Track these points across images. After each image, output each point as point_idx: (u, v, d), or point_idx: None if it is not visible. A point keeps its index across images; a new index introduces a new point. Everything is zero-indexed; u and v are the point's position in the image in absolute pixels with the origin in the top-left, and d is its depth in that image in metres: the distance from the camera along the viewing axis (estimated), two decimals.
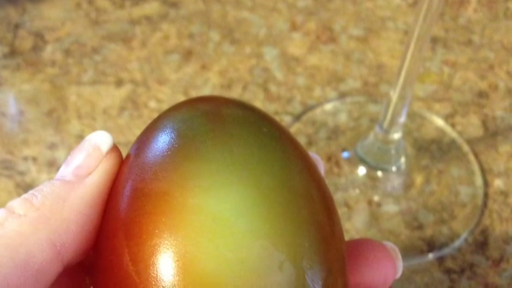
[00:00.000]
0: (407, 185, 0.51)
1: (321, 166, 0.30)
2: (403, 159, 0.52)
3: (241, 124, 0.24)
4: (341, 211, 0.49)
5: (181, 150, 0.23)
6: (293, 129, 0.55)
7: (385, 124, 0.48)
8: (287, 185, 0.23)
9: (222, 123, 0.24)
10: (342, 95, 0.58)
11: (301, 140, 0.53)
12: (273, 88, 0.58)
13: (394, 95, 0.45)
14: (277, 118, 0.54)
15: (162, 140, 0.23)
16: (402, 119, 0.47)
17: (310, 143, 0.54)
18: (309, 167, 0.25)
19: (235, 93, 0.58)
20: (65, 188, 0.24)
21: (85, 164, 0.25)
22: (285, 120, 0.55)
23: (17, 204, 0.24)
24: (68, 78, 0.59)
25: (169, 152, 0.23)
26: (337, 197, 0.50)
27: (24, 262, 0.23)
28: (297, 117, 0.56)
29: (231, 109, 0.25)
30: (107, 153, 0.25)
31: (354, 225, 0.48)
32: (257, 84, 0.59)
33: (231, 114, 0.25)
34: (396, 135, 0.49)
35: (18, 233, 0.23)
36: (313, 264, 0.22)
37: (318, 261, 0.23)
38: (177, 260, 0.21)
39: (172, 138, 0.23)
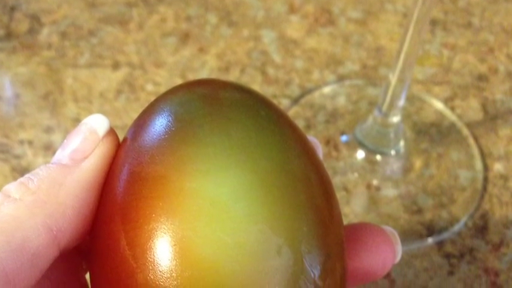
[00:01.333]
0: (407, 169, 0.51)
1: (319, 150, 0.30)
2: (402, 143, 0.52)
3: (239, 107, 0.24)
4: (339, 195, 0.48)
5: (178, 133, 0.23)
6: (291, 113, 0.55)
7: (384, 107, 0.47)
8: (285, 169, 0.23)
9: (220, 106, 0.24)
10: (341, 78, 0.58)
11: (300, 124, 0.53)
12: (271, 71, 0.58)
13: (393, 78, 0.45)
14: (275, 101, 0.54)
15: (159, 124, 0.23)
16: (401, 102, 0.47)
17: (308, 127, 0.53)
18: (307, 151, 0.25)
19: (232, 76, 0.57)
20: (61, 172, 0.24)
21: (81, 147, 0.25)
22: (283, 103, 0.55)
23: (12, 188, 0.24)
24: (64, 61, 0.58)
25: (166, 136, 0.23)
26: (336, 181, 0.50)
27: (20, 247, 0.23)
28: (295, 101, 0.56)
29: (229, 92, 0.25)
30: (104, 136, 0.25)
31: (352, 209, 0.48)
32: (255, 67, 0.58)
33: (228, 97, 0.25)
34: (395, 119, 0.48)
35: (14, 217, 0.23)
36: (311, 248, 0.22)
37: (316, 245, 0.23)
38: (174, 245, 0.21)
39: (169, 121, 0.23)
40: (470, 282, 0.44)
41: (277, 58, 0.59)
